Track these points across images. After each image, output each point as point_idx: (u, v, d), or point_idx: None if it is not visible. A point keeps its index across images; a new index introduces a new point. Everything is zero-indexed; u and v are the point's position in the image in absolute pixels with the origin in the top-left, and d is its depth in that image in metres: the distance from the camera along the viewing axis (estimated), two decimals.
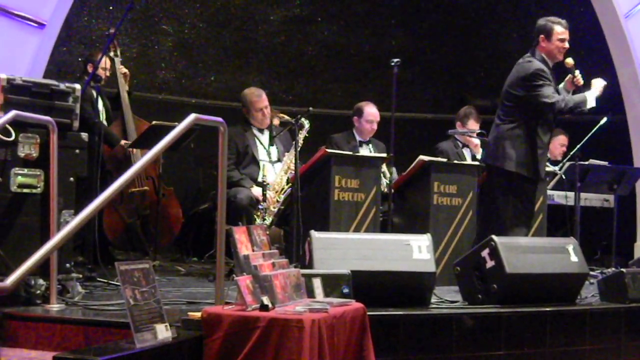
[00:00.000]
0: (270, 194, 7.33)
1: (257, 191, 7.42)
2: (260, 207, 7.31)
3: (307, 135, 7.39)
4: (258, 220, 7.19)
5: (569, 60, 6.78)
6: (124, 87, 7.95)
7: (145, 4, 9.95)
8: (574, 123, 10.53)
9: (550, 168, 8.51)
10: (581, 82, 6.73)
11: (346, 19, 11.28)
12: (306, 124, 7.33)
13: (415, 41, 11.22)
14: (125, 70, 8.05)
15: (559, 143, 9.46)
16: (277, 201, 7.33)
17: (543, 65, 6.69)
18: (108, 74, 7.82)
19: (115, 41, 8.01)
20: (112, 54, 7.95)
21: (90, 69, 7.68)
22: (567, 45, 6.77)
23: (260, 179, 7.52)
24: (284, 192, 7.35)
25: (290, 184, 7.29)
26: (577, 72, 6.76)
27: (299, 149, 7.25)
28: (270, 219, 7.26)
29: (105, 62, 7.63)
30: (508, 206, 6.75)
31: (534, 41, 6.85)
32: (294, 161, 7.05)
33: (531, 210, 6.84)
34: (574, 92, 6.82)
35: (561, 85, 6.88)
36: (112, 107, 7.99)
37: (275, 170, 7.63)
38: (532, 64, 6.68)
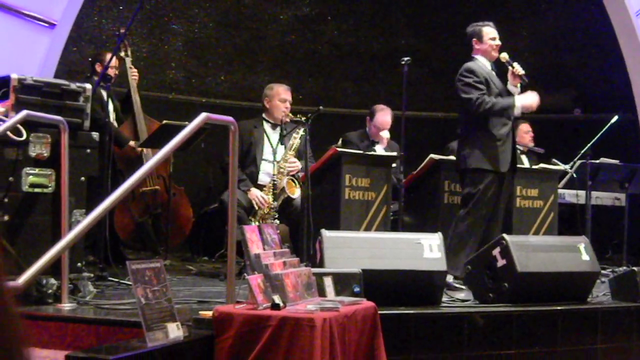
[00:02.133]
0: (265, 196, 7.24)
1: (254, 195, 7.30)
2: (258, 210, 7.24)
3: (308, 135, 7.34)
4: (256, 224, 7.10)
5: (504, 55, 6.97)
6: (134, 87, 7.95)
7: (155, 4, 9.97)
8: (585, 122, 10.55)
9: (561, 166, 8.51)
10: (520, 71, 6.86)
11: (356, 18, 11.29)
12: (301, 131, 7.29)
13: (425, 40, 11.22)
14: (135, 72, 8.04)
15: (523, 132, 9.44)
16: (273, 201, 7.25)
17: (476, 65, 6.89)
18: (117, 71, 7.83)
19: (126, 41, 8.02)
20: (122, 53, 7.96)
21: (98, 68, 7.70)
22: (498, 42, 7.01)
23: (265, 180, 7.44)
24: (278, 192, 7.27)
25: (299, 183, 7.28)
26: (515, 64, 6.90)
27: (297, 147, 7.27)
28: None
29: (114, 61, 7.64)
30: (469, 202, 6.81)
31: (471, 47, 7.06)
32: (288, 160, 7.09)
33: (488, 204, 6.82)
34: (521, 85, 6.97)
35: (508, 84, 6.92)
36: (122, 106, 8.00)
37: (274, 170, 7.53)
38: (462, 67, 6.92)
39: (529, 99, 6.81)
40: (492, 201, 6.78)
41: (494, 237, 6.62)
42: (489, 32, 7.01)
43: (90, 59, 8.12)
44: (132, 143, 7.68)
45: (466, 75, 6.83)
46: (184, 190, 8.37)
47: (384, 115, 8.38)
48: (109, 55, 7.43)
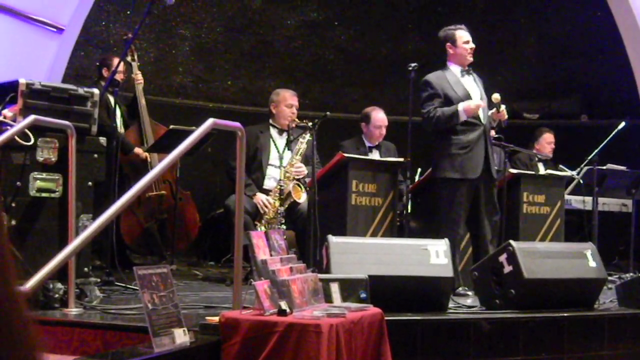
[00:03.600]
0: (270, 200, 7.26)
1: (259, 199, 7.33)
2: (264, 215, 7.25)
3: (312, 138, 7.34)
4: (262, 228, 7.12)
5: (496, 96, 6.90)
6: (141, 92, 7.96)
7: (163, 9, 9.98)
8: (592, 128, 10.54)
9: (568, 173, 8.51)
10: (505, 117, 6.90)
11: (363, 24, 11.29)
12: (308, 136, 7.30)
13: (432, 45, 11.20)
14: (141, 81, 8.04)
15: (546, 142, 9.45)
16: (280, 205, 7.26)
17: (435, 76, 6.91)
18: (123, 76, 7.84)
19: (133, 46, 8.03)
20: (129, 58, 7.97)
21: (105, 73, 7.72)
22: (472, 45, 7.00)
23: (271, 185, 7.45)
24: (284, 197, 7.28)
25: (305, 187, 7.28)
26: (502, 107, 6.89)
27: (303, 152, 7.28)
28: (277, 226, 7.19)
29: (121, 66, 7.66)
30: (440, 211, 6.83)
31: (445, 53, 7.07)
32: (294, 165, 7.11)
33: (458, 211, 6.79)
34: (498, 125, 7.01)
35: (489, 113, 6.90)
36: (128, 111, 8.01)
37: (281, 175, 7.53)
38: (425, 77, 6.94)
39: (470, 103, 6.75)
40: (461, 208, 6.75)
41: (482, 246, 6.67)
42: (463, 36, 6.98)
43: (97, 64, 8.13)
44: (137, 150, 7.69)
45: (422, 88, 6.88)
46: (190, 195, 8.37)
47: (378, 113, 8.36)
48: (116, 60, 7.42)
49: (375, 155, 8.18)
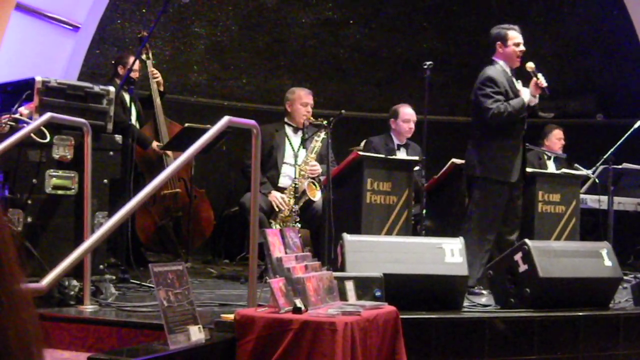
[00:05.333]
0: (285, 198, 7.26)
1: (274, 197, 7.32)
2: (279, 213, 7.25)
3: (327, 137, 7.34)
4: (277, 226, 7.12)
5: (530, 65, 6.85)
6: (156, 90, 7.96)
7: (178, 7, 9.99)
8: (607, 127, 10.50)
9: (583, 172, 8.48)
10: (544, 84, 6.76)
11: (378, 22, 11.28)
12: (323, 134, 7.31)
13: (447, 44, 11.21)
14: (158, 76, 8.05)
15: (555, 138, 9.40)
16: (294, 204, 7.27)
17: (497, 73, 6.79)
18: (138, 75, 7.86)
19: (148, 44, 8.04)
20: (143, 56, 7.99)
21: (121, 70, 7.73)
22: (522, 48, 6.90)
23: (286, 183, 7.45)
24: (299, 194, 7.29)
25: (320, 185, 7.28)
26: (539, 75, 6.80)
27: (318, 151, 7.28)
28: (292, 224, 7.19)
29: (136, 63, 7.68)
30: (476, 211, 6.78)
31: (494, 50, 6.96)
32: (309, 164, 7.13)
33: (496, 214, 6.77)
34: (540, 96, 6.88)
35: (528, 90, 6.84)
36: (143, 109, 8.02)
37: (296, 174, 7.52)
38: (483, 73, 6.82)
39: (530, 91, 6.73)
40: (499, 211, 6.74)
41: (508, 245, 6.64)
42: (514, 37, 6.88)
43: (113, 62, 8.15)
44: (155, 144, 7.71)
45: (487, 85, 6.71)
46: (205, 193, 8.38)
47: (406, 108, 8.33)
48: (131, 58, 7.45)
49: (402, 154, 8.16)
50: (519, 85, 6.87)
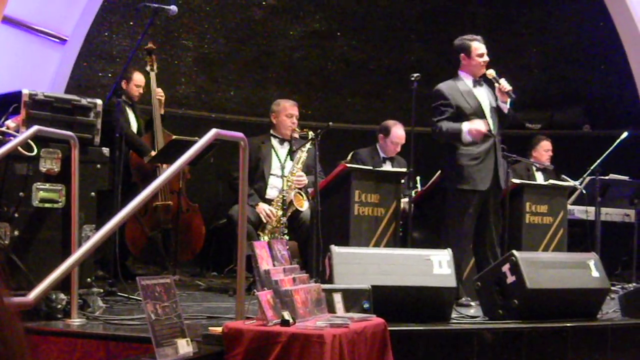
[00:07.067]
0: (273, 209, 7.26)
1: (262, 209, 7.31)
2: (267, 224, 7.25)
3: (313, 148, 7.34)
4: (265, 238, 7.11)
5: (490, 72, 6.89)
6: (156, 105, 7.95)
7: (165, 20, 10.00)
8: (594, 138, 10.54)
9: (570, 183, 8.51)
10: (507, 87, 6.80)
11: (365, 34, 11.30)
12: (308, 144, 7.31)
13: (434, 56, 11.23)
14: (161, 94, 8.06)
15: (543, 149, 9.41)
16: (282, 215, 7.26)
17: (447, 87, 6.86)
18: (142, 90, 7.88)
19: (153, 55, 8.04)
20: (148, 68, 7.99)
21: (124, 85, 7.74)
22: (486, 58, 6.93)
23: (273, 194, 7.44)
24: (286, 206, 7.29)
25: (307, 196, 7.28)
26: (501, 81, 6.83)
27: (304, 161, 7.29)
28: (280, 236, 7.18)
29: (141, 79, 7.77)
30: (449, 222, 6.83)
31: (458, 62, 7.03)
32: (295, 174, 7.13)
33: (469, 223, 6.78)
34: (511, 101, 6.91)
35: (498, 100, 6.87)
36: (146, 124, 8.01)
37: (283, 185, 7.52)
38: (437, 86, 6.89)
39: (475, 125, 6.65)
40: (471, 220, 6.75)
41: (485, 257, 6.66)
42: (478, 48, 6.91)
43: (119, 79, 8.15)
44: (153, 153, 7.70)
45: (436, 97, 6.82)
46: (199, 207, 8.35)
47: (399, 129, 8.37)
48: (135, 73, 7.60)
49: (387, 167, 8.20)
50: (485, 97, 6.87)
